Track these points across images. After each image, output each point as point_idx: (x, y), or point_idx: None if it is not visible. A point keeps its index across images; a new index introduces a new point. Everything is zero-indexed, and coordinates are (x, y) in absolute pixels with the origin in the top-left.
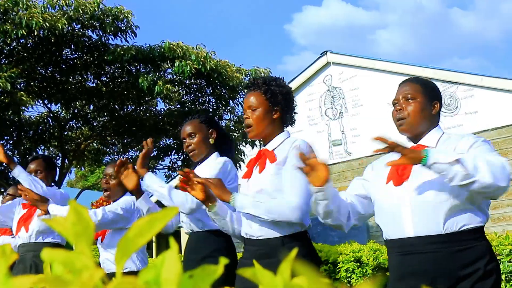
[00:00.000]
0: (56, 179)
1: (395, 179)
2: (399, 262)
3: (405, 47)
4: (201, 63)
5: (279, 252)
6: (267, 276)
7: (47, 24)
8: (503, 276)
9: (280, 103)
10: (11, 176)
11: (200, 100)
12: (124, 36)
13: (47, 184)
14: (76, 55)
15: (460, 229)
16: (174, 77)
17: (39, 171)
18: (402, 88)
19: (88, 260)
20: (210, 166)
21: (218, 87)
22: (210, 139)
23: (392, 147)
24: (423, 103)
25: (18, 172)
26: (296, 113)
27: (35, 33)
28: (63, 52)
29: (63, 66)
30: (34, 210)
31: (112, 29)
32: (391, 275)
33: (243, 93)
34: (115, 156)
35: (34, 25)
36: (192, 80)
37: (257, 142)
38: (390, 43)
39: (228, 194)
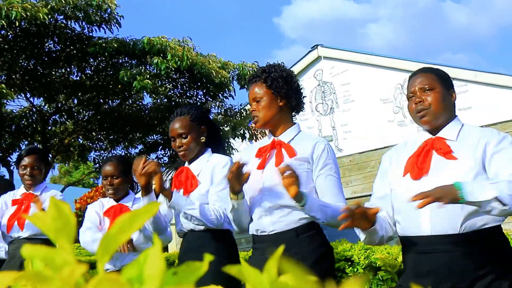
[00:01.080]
0: None
1: (413, 172)
2: (415, 260)
3: (397, 42)
4: (178, 61)
5: (295, 244)
6: (253, 274)
7: (28, 14)
8: None
9: (283, 88)
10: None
11: (188, 94)
12: (109, 27)
13: (42, 179)
14: (59, 47)
15: (478, 229)
16: (159, 71)
17: (36, 167)
18: (417, 80)
19: (69, 256)
20: (217, 172)
21: (204, 82)
22: (201, 138)
23: (425, 198)
24: (442, 92)
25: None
26: (305, 96)
27: (16, 24)
28: (46, 44)
29: (46, 59)
30: (26, 207)
31: (97, 18)
32: (406, 273)
33: (229, 88)
34: (102, 153)
35: (13, 15)
36: (179, 74)
37: (247, 134)
38: (381, 37)
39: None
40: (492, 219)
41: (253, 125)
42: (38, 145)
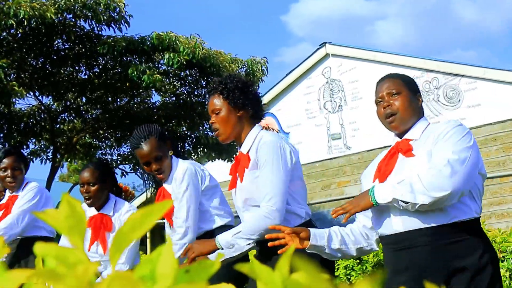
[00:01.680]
0: (48, 173)
1: (380, 176)
2: (393, 257)
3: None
4: (190, 53)
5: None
6: (265, 272)
7: (36, 14)
8: (507, 274)
9: (239, 99)
10: None
11: (196, 93)
12: (118, 26)
13: (23, 179)
14: (67, 46)
15: (451, 222)
16: (168, 68)
17: (16, 168)
18: (383, 85)
19: (81, 254)
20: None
21: (212, 77)
22: (169, 152)
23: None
24: (409, 96)
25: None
26: (264, 104)
27: (25, 23)
28: (54, 43)
29: (54, 57)
30: (12, 204)
31: (105, 18)
32: (387, 270)
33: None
34: (108, 150)
35: (22, 15)
36: (187, 72)
37: None
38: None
39: (212, 243)
40: (464, 212)
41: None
42: (46, 143)
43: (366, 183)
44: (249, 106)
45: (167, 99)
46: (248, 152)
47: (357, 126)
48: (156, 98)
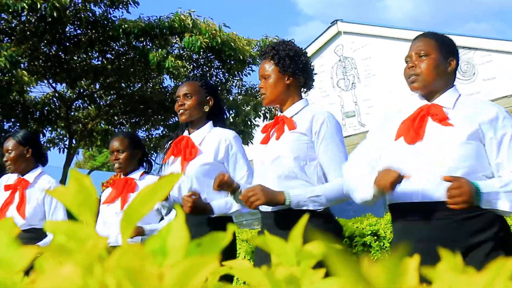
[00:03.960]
0: (64, 160)
1: (408, 136)
2: (405, 229)
3: (417, 13)
4: (211, 37)
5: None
6: (279, 244)
7: None
8: None
9: (289, 66)
10: None
11: (208, 74)
12: (126, 8)
13: (34, 164)
14: (80, 32)
15: None
16: (182, 52)
17: (10, 150)
18: (415, 44)
19: (91, 229)
20: (223, 149)
21: (228, 60)
22: (205, 106)
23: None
24: (437, 59)
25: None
26: (315, 73)
27: (38, 7)
28: (66, 29)
29: (67, 44)
30: (22, 194)
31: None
32: (395, 242)
33: (252, 65)
34: None
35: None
36: (201, 54)
37: (267, 115)
38: (401, 9)
39: (281, 196)
40: None
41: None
42: (62, 131)
43: (384, 133)
44: (299, 74)
45: (180, 82)
46: (292, 117)
47: (371, 103)
48: (168, 82)
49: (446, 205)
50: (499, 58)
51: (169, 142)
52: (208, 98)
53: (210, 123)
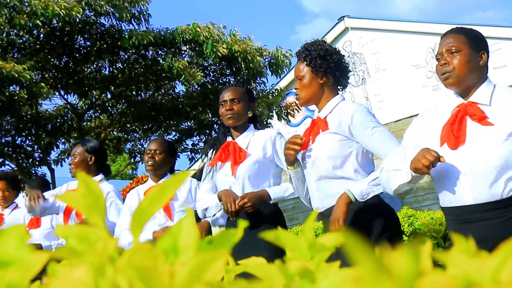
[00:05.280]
0: None
1: (450, 142)
2: (458, 230)
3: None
4: (229, 46)
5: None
6: (291, 238)
7: (63, 13)
8: None
9: (321, 66)
10: (33, 171)
11: (221, 81)
12: (137, 22)
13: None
14: (89, 43)
15: None
16: (193, 59)
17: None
18: (445, 41)
19: (101, 231)
20: (270, 144)
21: (240, 68)
22: (249, 112)
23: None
24: (469, 54)
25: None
26: (350, 71)
27: (50, 23)
28: (76, 41)
29: (77, 55)
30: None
31: (128, 15)
32: (450, 246)
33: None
34: (136, 143)
35: (50, 15)
36: (211, 61)
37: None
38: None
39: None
40: None
41: (286, 103)
42: (74, 142)
43: (428, 136)
44: (332, 73)
45: (191, 88)
46: (326, 117)
47: (382, 97)
48: (180, 88)
49: (497, 205)
50: (508, 46)
51: (212, 149)
52: (251, 104)
53: (251, 126)
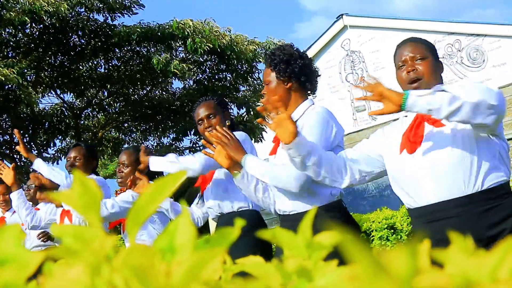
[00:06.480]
0: None
1: (408, 147)
2: (424, 229)
3: (423, 2)
4: (215, 40)
5: (313, 225)
6: (288, 237)
7: (51, 9)
8: None
9: (285, 71)
10: (31, 169)
11: (217, 77)
12: (131, 13)
13: (85, 172)
14: (83, 41)
15: (483, 188)
16: (187, 55)
17: (78, 158)
18: (406, 49)
19: (98, 230)
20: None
21: (233, 61)
22: (226, 121)
23: (371, 89)
24: (433, 61)
25: (38, 165)
26: (319, 75)
27: (40, 19)
28: (70, 39)
29: (72, 54)
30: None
31: (117, 6)
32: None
33: (259, 66)
34: (134, 144)
35: (37, 10)
36: (206, 57)
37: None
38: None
39: (241, 154)
40: (495, 176)
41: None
42: (72, 140)
43: (385, 145)
44: (297, 78)
45: (187, 85)
46: (297, 121)
47: None
48: (176, 84)
49: (461, 201)
50: (508, 44)
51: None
52: (225, 112)
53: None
